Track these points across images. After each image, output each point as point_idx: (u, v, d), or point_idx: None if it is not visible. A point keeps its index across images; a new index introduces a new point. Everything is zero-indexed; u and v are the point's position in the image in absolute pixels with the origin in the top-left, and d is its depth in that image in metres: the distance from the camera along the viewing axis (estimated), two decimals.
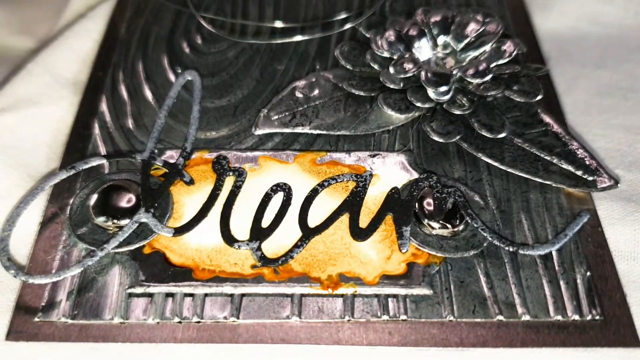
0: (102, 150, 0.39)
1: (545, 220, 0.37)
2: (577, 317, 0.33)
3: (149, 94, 0.42)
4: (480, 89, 0.40)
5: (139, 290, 0.33)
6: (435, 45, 0.43)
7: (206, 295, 0.33)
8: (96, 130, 0.40)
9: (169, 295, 0.33)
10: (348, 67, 0.43)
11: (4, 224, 0.33)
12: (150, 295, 0.33)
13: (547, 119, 0.41)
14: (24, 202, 0.34)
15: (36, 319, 0.32)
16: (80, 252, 0.34)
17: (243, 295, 0.33)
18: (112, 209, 0.35)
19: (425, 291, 0.33)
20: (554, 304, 0.33)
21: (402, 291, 0.33)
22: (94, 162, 0.37)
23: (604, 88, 0.47)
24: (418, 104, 0.40)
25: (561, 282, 0.34)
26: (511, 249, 0.34)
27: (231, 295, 0.33)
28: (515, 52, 0.41)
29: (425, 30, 0.43)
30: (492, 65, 0.41)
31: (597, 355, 0.32)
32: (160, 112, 0.40)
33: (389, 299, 0.33)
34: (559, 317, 0.33)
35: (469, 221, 0.35)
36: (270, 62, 0.45)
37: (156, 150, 0.38)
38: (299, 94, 0.42)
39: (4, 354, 0.31)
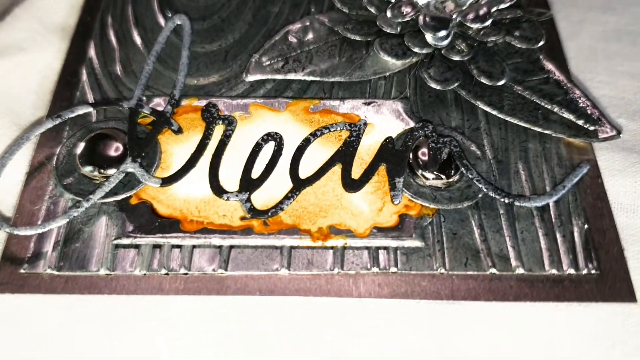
0: (90, 97, 0.38)
1: (544, 171, 0.35)
2: (572, 271, 0.32)
3: (138, 39, 0.41)
4: (480, 35, 0.39)
5: (125, 241, 0.33)
6: None
7: (194, 247, 0.33)
8: (84, 77, 0.39)
9: (156, 246, 0.33)
10: (344, 10, 0.41)
11: None
12: (137, 246, 0.32)
13: (549, 65, 0.39)
14: (9, 152, 0.33)
15: (22, 271, 0.32)
16: (67, 202, 0.34)
17: (231, 247, 0.33)
18: (99, 159, 0.34)
19: (416, 243, 0.33)
20: (550, 257, 0.33)
21: (393, 243, 0.33)
22: (81, 111, 0.36)
23: (611, 33, 0.45)
24: (415, 49, 0.38)
25: (557, 235, 0.33)
26: (507, 201, 0.34)
27: (219, 247, 0.33)
28: None
29: None
30: (493, 9, 0.39)
31: (592, 309, 0.32)
32: (148, 59, 0.39)
33: (380, 251, 0.33)
34: (554, 271, 0.32)
35: (464, 172, 0.34)
36: (263, 4, 0.43)
37: (144, 98, 0.37)
38: (292, 39, 0.40)
39: None
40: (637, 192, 0.36)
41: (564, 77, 0.39)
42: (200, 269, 0.32)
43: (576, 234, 0.33)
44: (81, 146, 0.34)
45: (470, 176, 0.34)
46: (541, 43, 0.39)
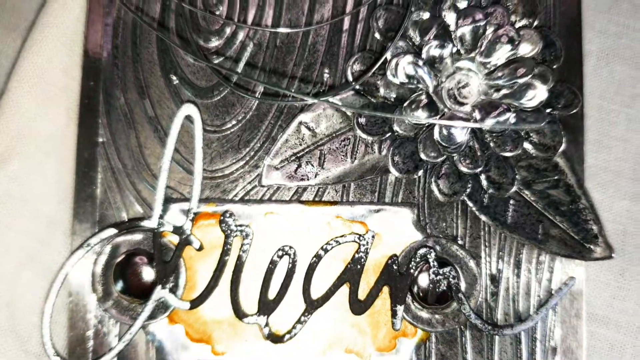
0: (110, 195, 0.40)
1: (531, 287, 0.39)
2: None
3: (146, 118, 0.40)
4: (495, 143, 0.38)
5: None
6: (458, 56, 0.38)
7: None
8: (99, 169, 0.40)
9: None
10: (360, 90, 0.39)
11: (41, 322, 0.37)
12: None
13: (562, 164, 0.39)
14: (49, 296, 0.37)
15: None
16: (112, 323, 0.39)
17: None
18: (131, 283, 0.39)
19: None
20: None
21: None
22: (105, 234, 0.38)
23: None
24: (428, 159, 0.38)
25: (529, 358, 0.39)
26: (492, 332, 0.38)
27: None
28: (542, 100, 0.37)
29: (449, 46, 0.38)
30: (515, 109, 0.38)
31: None
32: (162, 163, 0.39)
33: None
34: None
35: (459, 307, 0.38)
36: (273, 68, 0.40)
37: (163, 214, 0.39)
38: (304, 130, 0.39)
39: None
40: (614, 306, 0.40)
41: (575, 181, 0.39)
42: None
43: (547, 357, 0.39)
44: (112, 271, 0.38)
45: (463, 312, 0.38)
46: (560, 151, 0.38)
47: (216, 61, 0.40)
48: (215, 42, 0.41)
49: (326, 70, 0.40)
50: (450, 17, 0.39)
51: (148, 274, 0.39)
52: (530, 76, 0.37)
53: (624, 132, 0.42)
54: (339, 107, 0.39)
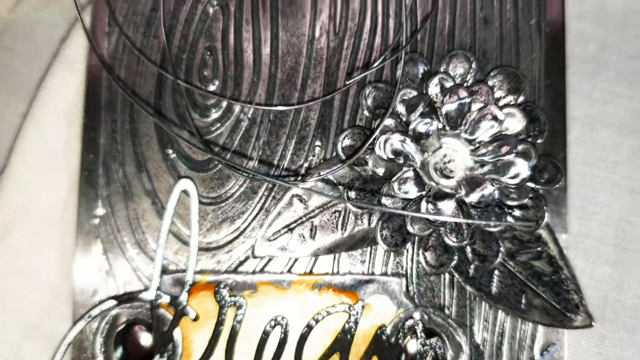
0: (109, 264, 0.41)
1: (514, 354, 0.41)
2: None
3: (143, 191, 0.41)
4: (480, 218, 0.39)
5: None
6: (444, 131, 0.40)
7: None
8: (99, 241, 0.41)
9: None
10: (349, 164, 0.41)
11: None
12: None
13: (545, 235, 0.41)
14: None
15: None
16: None
17: None
18: (132, 352, 0.40)
19: None
20: None
21: None
22: (106, 306, 0.40)
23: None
24: (415, 232, 0.40)
25: None
26: None
27: None
28: (524, 178, 0.39)
29: (435, 123, 0.39)
30: (499, 185, 0.39)
31: None
32: (159, 238, 0.40)
33: None
34: None
35: None
36: (266, 141, 0.42)
37: (160, 286, 0.40)
38: (297, 202, 0.41)
39: None
40: None
41: (557, 252, 0.41)
42: None
43: None
44: (113, 338, 0.40)
45: None
46: (542, 225, 0.40)
47: (213, 134, 0.42)
48: (211, 116, 0.42)
49: (318, 143, 0.42)
50: (436, 94, 0.40)
51: (146, 340, 0.40)
52: (513, 155, 0.39)
53: (608, 198, 0.44)
54: (324, 195, 0.41)
